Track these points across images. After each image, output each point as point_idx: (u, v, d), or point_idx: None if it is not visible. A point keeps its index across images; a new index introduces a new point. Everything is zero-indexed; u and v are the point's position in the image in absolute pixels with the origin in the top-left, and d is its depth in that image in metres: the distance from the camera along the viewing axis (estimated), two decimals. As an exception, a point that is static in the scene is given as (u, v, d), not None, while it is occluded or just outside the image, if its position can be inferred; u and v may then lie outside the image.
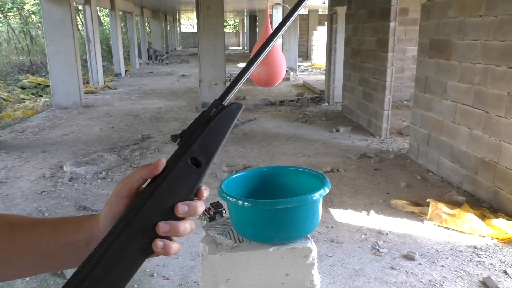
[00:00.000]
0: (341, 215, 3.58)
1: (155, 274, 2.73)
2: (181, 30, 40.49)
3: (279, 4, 14.86)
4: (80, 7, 12.86)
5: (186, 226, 0.54)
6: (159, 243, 0.53)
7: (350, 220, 3.49)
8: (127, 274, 0.53)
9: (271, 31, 1.38)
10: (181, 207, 0.53)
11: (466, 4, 3.99)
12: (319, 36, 18.77)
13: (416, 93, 5.02)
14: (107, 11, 15.58)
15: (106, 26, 21.12)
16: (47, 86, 10.58)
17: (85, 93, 9.46)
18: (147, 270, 2.78)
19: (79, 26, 16.53)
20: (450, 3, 4.23)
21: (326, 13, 11.99)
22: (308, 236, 1.24)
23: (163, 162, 0.55)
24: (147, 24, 22.63)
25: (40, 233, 0.58)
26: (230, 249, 1.18)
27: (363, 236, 3.23)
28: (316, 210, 1.25)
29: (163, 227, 0.53)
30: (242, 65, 18.37)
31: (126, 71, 15.25)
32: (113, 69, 14.79)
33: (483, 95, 3.79)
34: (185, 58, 22.13)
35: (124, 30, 18.68)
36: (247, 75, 0.62)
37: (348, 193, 4.04)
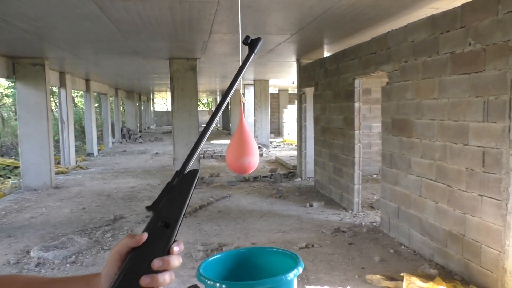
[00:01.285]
0: (318, 293, 3.55)
1: None
2: (155, 109, 41.33)
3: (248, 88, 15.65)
4: (55, 89, 13.12)
5: (165, 277, 0.66)
6: None
7: (327, 298, 3.46)
8: None
9: (244, 121, 1.52)
10: (156, 262, 0.66)
11: (421, 88, 4.37)
12: (290, 113, 19.56)
13: (383, 168, 5.26)
14: (82, 92, 15.92)
15: (80, 107, 21.40)
16: (16, 167, 10.41)
17: (56, 174, 9.34)
18: None
19: (53, 107, 16.69)
20: (407, 86, 4.62)
21: (295, 92, 12.66)
22: (285, 316, 1.28)
23: (145, 237, 0.66)
24: (121, 104, 23.07)
25: None
26: (208, 334, 1.20)
27: (341, 314, 3.19)
28: (291, 290, 1.29)
29: (144, 280, 0.64)
30: (215, 141, 18.71)
31: (98, 150, 15.24)
32: (85, 148, 14.77)
33: (445, 170, 4.02)
34: (159, 136, 22.39)
35: (98, 110, 18.95)
36: (200, 146, 0.77)
37: (323, 269, 4.04)
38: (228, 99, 0.82)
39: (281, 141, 18.57)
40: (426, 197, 4.33)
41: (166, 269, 0.66)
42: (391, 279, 3.70)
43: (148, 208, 0.69)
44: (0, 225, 5.84)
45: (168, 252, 0.67)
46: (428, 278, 3.60)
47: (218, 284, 1.22)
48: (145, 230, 0.68)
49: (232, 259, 1.44)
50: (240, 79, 0.84)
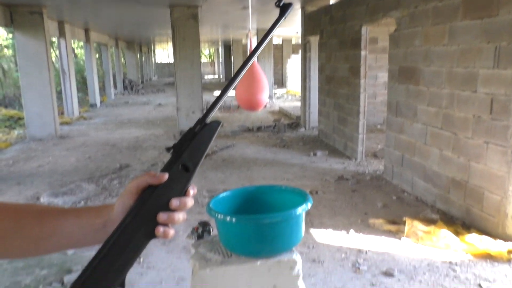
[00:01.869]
0: (321, 235, 3.65)
1: (138, 302, 2.71)
2: (156, 60, 40.73)
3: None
4: (54, 39, 12.87)
5: (179, 216, 0.69)
6: (160, 229, 0.68)
7: (330, 240, 3.56)
8: (135, 254, 0.67)
9: (255, 60, 1.48)
10: (174, 202, 0.69)
11: (430, 35, 4.25)
12: (293, 63, 19.26)
13: (389, 117, 5.23)
14: (82, 43, 15.63)
15: (81, 58, 21.10)
16: (20, 118, 10.43)
17: (60, 124, 9.36)
18: (130, 298, 2.75)
19: (53, 59, 16.46)
20: (416, 33, 4.49)
21: (299, 42, 12.39)
22: (293, 249, 1.31)
23: (166, 177, 0.69)
24: (122, 55, 22.71)
25: (66, 218, 0.71)
26: (219, 264, 1.24)
27: (343, 255, 3.30)
28: (299, 224, 1.32)
29: (162, 216, 0.68)
30: (218, 93, 18.53)
31: (101, 101, 15.18)
32: (88, 100, 14.71)
33: (451, 118, 4.00)
34: (161, 88, 22.22)
35: (98, 61, 18.69)
36: (225, 96, 0.78)
37: (327, 214, 4.13)
38: (251, 61, 0.82)
39: (285, 92, 18.42)
40: (431, 145, 4.34)
41: (182, 209, 0.70)
42: (394, 223, 3.79)
43: (169, 149, 0.71)
44: (9, 173, 5.95)
45: (184, 193, 0.71)
46: (430, 222, 3.69)
47: (228, 218, 1.24)
48: (163, 170, 0.70)
49: (241, 196, 1.46)
50: (268, 39, 0.82)
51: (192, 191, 0.72)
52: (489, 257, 3.18)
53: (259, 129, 9.24)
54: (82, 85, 17.13)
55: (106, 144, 7.96)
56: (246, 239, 1.25)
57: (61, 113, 11.07)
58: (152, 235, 0.68)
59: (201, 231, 1.42)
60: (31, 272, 3.13)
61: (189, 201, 0.71)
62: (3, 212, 0.70)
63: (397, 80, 4.95)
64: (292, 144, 7.62)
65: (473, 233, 3.44)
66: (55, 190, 4.95)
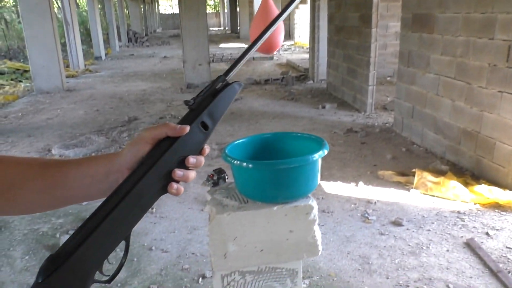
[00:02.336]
0: (331, 186, 3.68)
1: (153, 248, 2.80)
2: (160, 12, 39.71)
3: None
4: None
5: (192, 174, 0.68)
6: (174, 185, 0.66)
7: (340, 191, 3.60)
8: (145, 209, 0.65)
9: (271, 4, 1.42)
10: (191, 159, 0.67)
11: (447, -23, 4.06)
12: (301, 15, 18.69)
13: (400, 68, 5.11)
14: (84, -8, 15.21)
15: (83, 9, 20.60)
16: (26, 71, 10.36)
17: (66, 77, 9.30)
18: (146, 244, 2.84)
19: (56, 10, 16.08)
20: (432, -24, 4.29)
21: (308, -10, 11.94)
22: (309, 195, 1.31)
23: (187, 130, 0.66)
24: (125, 6, 22.13)
25: (68, 169, 0.67)
26: (236, 209, 1.25)
27: (352, 205, 3.34)
28: (316, 170, 1.31)
29: (177, 173, 0.66)
30: (224, 45, 18.22)
31: (106, 54, 14.99)
32: (92, 52, 14.52)
33: (465, 67, 3.90)
34: (166, 40, 21.81)
35: (101, 13, 18.25)
36: (251, 53, 0.75)
37: (336, 166, 4.15)
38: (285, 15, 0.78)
39: (292, 44, 18.02)
40: (443, 95, 4.26)
41: (197, 167, 0.68)
42: (403, 174, 3.80)
43: (187, 102, 0.68)
44: (19, 126, 5.99)
45: (199, 152, 0.69)
46: (439, 173, 3.69)
47: (244, 164, 1.23)
48: (181, 123, 0.67)
49: (257, 143, 1.44)
50: None
51: (207, 149, 0.71)
52: (497, 206, 3.21)
53: (266, 82, 9.12)
54: (86, 37, 16.84)
55: (113, 97, 7.93)
56: (263, 184, 1.25)
57: (66, 66, 10.96)
58: (164, 190, 0.65)
59: (216, 178, 1.42)
60: (48, 221, 3.22)
61: (203, 160, 0.70)
62: (6, 164, 0.68)
63: (410, 29, 4.78)
64: (300, 97, 7.54)
65: (482, 184, 3.45)
66: (66, 142, 4.99)
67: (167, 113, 6.54)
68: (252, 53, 0.77)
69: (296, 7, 19.73)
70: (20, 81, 10.06)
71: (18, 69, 10.86)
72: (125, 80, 9.89)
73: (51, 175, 0.67)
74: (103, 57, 14.22)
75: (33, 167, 0.68)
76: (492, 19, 3.51)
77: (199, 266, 2.61)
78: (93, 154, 4.63)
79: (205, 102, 0.69)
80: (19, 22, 11.81)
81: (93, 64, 12.80)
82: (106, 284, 0.64)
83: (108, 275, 0.63)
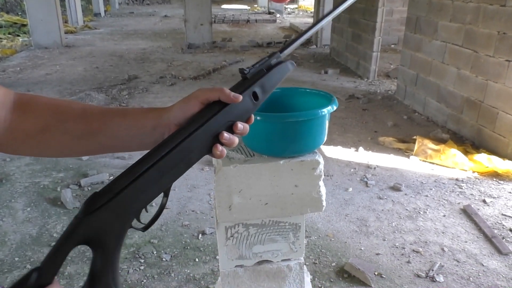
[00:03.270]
0: (331, 151, 3.69)
1: (153, 204, 2.82)
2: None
3: None
4: None
5: (237, 140, 0.67)
6: (219, 147, 0.65)
7: (340, 155, 3.61)
8: (190, 164, 0.65)
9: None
10: (240, 125, 0.67)
11: None
12: (306, -23, 18.14)
13: (406, 34, 5.02)
14: None
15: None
16: (24, 25, 10.13)
17: (65, 33, 9.11)
18: (145, 200, 2.86)
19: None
20: None
21: (315, -49, 11.54)
22: (316, 150, 1.31)
23: (241, 99, 0.66)
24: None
25: (112, 117, 0.67)
26: (242, 162, 1.25)
27: (352, 170, 3.36)
28: (323, 125, 1.31)
29: (225, 136, 0.65)
30: (226, 6, 17.78)
31: (105, 11, 14.63)
32: (91, 8, 14.17)
33: (474, 34, 3.82)
34: (167, -1, 21.24)
35: (101, -33, 17.66)
36: (310, 33, 0.79)
37: (337, 131, 4.14)
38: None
39: (296, 8, 17.60)
40: (448, 63, 4.20)
41: (243, 134, 0.69)
42: (403, 141, 3.80)
43: (242, 71, 0.69)
44: (17, 80, 5.91)
45: (246, 121, 0.70)
46: (440, 141, 3.70)
47: (253, 116, 1.20)
48: (232, 90, 0.68)
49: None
50: None
51: (252, 118, 0.71)
52: (495, 175, 3.23)
53: (269, 44, 8.97)
54: (85, -8, 16.38)
55: (113, 55, 7.80)
56: (270, 138, 1.24)
57: (65, 21, 10.71)
58: (209, 150, 0.65)
59: (222, 131, 1.41)
60: (49, 175, 3.24)
61: (249, 128, 0.70)
62: (44, 106, 0.66)
63: (420, -6, 4.66)
64: (303, 61, 7.43)
65: (482, 153, 3.46)
66: (66, 98, 4.94)
67: (167, 72, 6.46)
68: (311, 34, 0.80)
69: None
70: (18, 35, 9.86)
71: (15, 23, 10.62)
72: (125, 38, 9.71)
73: (93, 121, 0.66)
74: (103, 14, 13.89)
75: (74, 111, 0.67)
76: (505, -15, 3.41)
77: (198, 223, 2.65)
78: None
79: (259, 74, 0.70)
80: (16, -26, 11.44)
81: (92, 21, 12.52)
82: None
83: (144, 223, 0.64)
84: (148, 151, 0.62)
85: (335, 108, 1.25)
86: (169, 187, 0.64)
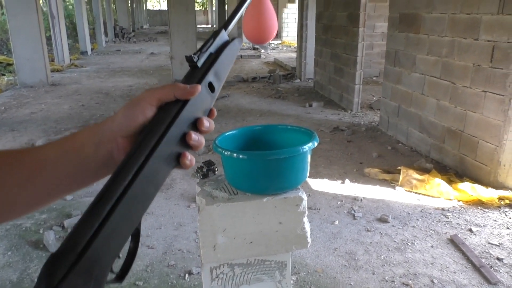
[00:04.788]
0: (318, 184, 3.70)
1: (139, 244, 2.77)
2: (148, 7, 39.37)
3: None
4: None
5: (203, 141, 0.57)
6: (188, 155, 0.55)
7: (326, 188, 3.62)
8: (160, 184, 0.53)
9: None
10: (205, 122, 0.57)
11: (434, -22, 4.11)
12: (289, 13, 18.73)
13: (386, 67, 5.16)
14: (70, -14, 14.99)
15: (69, 2, 20.29)
16: (9, 64, 10.16)
17: (51, 71, 9.15)
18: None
19: (41, 3, 15.81)
20: (419, -23, 4.34)
21: (296, -11, 11.95)
22: (299, 187, 1.32)
23: (199, 90, 0.55)
24: (112, 0, 21.87)
25: (47, 151, 0.54)
26: (226, 201, 1.24)
27: (339, 202, 3.36)
28: (305, 162, 1.32)
29: (194, 137, 0.55)
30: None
31: (92, 49, 14.79)
32: (78, 47, 14.32)
33: (450, 66, 3.95)
34: (153, 36, 21.62)
35: (88, 7, 18.00)
36: (247, 4, 0.68)
37: (323, 164, 4.17)
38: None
39: (280, 43, 18.04)
40: (428, 94, 4.32)
41: (209, 131, 0.58)
42: (388, 172, 3.84)
43: (191, 59, 0.58)
44: (1, 120, 5.87)
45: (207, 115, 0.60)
46: (424, 171, 3.74)
47: (235, 154, 1.23)
48: (185, 83, 0.57)
49: (247, 135, 1.44)
50: None
51: (215, 112, 0.60)
52: (480, 204, 3.27)
53: (254, 79, 9.12)
54: (72, 31, 16.60)
55: (99, 92, 7.83)
56: (253, 175, 1.25)
57: (51, 60, 10.79)
58: (176, 161, 0.54)
59: (206, 170, 1.42)
60: (31, 216, 3.17)
61: (213, 125, 0.59)
62: None
63: (397, 28, 4.84)
64: (287, 95, 7.55)
65: (466, 182, 3.51)
66: (50, 137, 4.92)
67: (153, 109, 6.48)
68: (248, 3, 0.70)
69: (284, 6, 19.75)
70: (3, 75, 9.87)
71: (1, 62, 10.65)
72: (112, 76, 9.78)
73: (27, 164, 0.53)
74: (89, 52, 14.03)
75: (9, 156, 0.54)
76: (477, 20, 3.57)
77: (185, 262, 2.60)
78: (78, 149, 4.57)
79: (209, 60, 0.59)
80: (3, 14, 11.58)
81: (79, 59, 12.63)
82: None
83: (116, 272, 0.52)
84: (105, 181, 0.50)
85: (316, 144, 1.27)
86: (140, 221, 0.52)
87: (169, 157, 0.53)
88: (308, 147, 1.24)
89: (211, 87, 0.59)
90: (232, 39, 0.63)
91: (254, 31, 1.21)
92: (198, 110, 0.57)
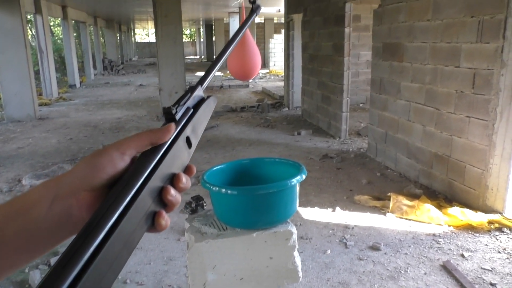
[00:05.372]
0: (308, 213, 3.69)
1: (128, 281, 2.71)
2: (136, 40, 39.88)
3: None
4: (30, 16, 12.44)
5: (180, 198, 0.51)
6: (164, 215, 0.48)
7: (317, 217, 3.61)
8: (133, 248, 0.45)
9: (247, 30, 1.47)
10: (183, 178, 0.51)
11: (414, 10, 4.25)
12: (276, 43, 19.10)
13: (372, 95, 5.26)
14: (59, 20, 15.16)
15: (58, 37, 20.48)
16: (-3, 99, 10.12)
17: (39, 105, 9.13)
18: (120, 277, 2.75)
19: (30, 37, 15.93)
20: (400, 8, 4.49)
21: (282, 21, 12.25)
22: (288, 220, 1.31)
23: (173, 127, 0.52)
24: (101, 34, 22.13)
25: None
26: (215, 237, 1.24)
27: (330, 231, 3.35)
28: (294, 195, 1.33)
29: (172, 192, 0.49)
30: (200, 73, 18.35)
31: (81, 82, 14.84)
32: (67, 80, 14.36)
33: (434, 93, 4.04)
34: (142, 68, 21.81)
35: (77, 41, 18.18)
36: (222, 61, 0.71)
37: (313, 192, 4.17)
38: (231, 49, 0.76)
39: (267, 72, 18.31)
40: (414, 121, 4.39)
41: (186, 188, 0.52)
42: (378, 199, 3.85)
43: (169, 110, 0.55)
44: (-13, 156, 5.80)
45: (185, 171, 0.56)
46: (413, 197, 3.76)
47: (223, 189, 1.23)
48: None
49: (235, 169, 1.45)
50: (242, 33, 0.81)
51: (194, 168, 0.56)
52: (470, 228, 3.28)
53: (242, 109, 9.20)
54: (61, 65, 16.69)
55: (88, 125, 7.82)
56: (242, 211, 1.25)
57: (40, 94, 10.79)
58: (151, 221, 0.47)
59: (194, 205, 1.41)
60: (17, 254, 3.09)
61: (190, 183, 0.55)
62: None
63: (381, 57, 4.96)
64: (276, 123, 7.62)
65: (455, 206, 3.53)
66: (37, 172, 4.85)
67: (142, 141, 6.47)
68: (223, 61, 0.72)
69: (271, 36, 20.16)
70: (-10, 110, 9.80)
71: (-12, 98, 10.60)
72: (100, 108, 9.79)
73: None
74: (78, 85, 14.07)
75: None
76: (457, 48, 3.68)
77: (176, 297, 2.54)
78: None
79: (186, 115, 0.57)
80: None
81: (67, 92, 12.64)
82: None
83: None
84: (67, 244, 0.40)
85: (304, 177, 1.28)
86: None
87: (146, 215, 0.46)
88: (296, 180, 1.24)
89: (188, 142, 0.56)
90: (208, 97, 0.63)
91: (239, 69, 1.23)
92: (176, 165, 0.53)
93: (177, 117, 0.55)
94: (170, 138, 0.52)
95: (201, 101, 0.61)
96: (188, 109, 0.58)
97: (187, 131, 0.56)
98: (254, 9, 0.85)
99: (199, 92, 0.61)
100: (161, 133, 0.51)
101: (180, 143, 0.54)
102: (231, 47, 0.75)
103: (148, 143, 0.50)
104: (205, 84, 0.64)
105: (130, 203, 0.44)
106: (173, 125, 0.53)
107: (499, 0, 3.19)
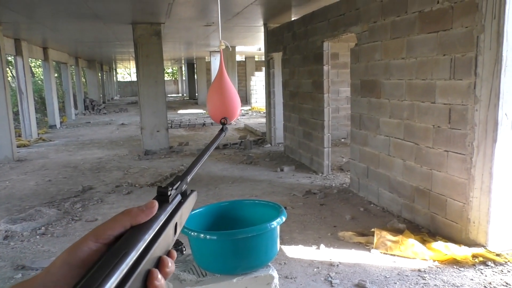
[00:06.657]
0: (292, 251, 3.63)
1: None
2: (118, 79, 40.08)
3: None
4: (10, 58, 12.42)
5: (165, 284, 0.48)
6: None
7: (302, 255, 3.55)
8: None
9: (224, 68, 1.50)
10: (169, 262, 0.49)
11: (389, 48, 4.41)
12: (257, 81, 19.42)
13: (353, 130, 5.34)
14: (40, 61, 15.17)
15: (38, 78, 20.44)
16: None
17: (17, 147, 8.97)
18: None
19: (9, 79, 15.84)
20: (376, 47, 4.65)
21: (262, 59, 12.52)
22: (269, 264, 1.29)
23: (156, 205, 0.51)
24: (82, 74, 22.20)
25: None
26: (194, 284, 1.20)
27: (315, 269, 3.29)
28: (275, 238, 1.30)
29: (160, 278, 0.46)
30: (182, 111, 18.42)
31: (61, 122, 14.71)
32: (47, 120, 14.21)
33: (412, 128, 4.13)
34: (124, 107, 21.82)
35: (58, 81, 18.16)
36: (204, 158, 0.83)
37: (297, 229, 4.13)
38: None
39: (249, 109, 18.51)
40: (394, 155, 4.45)
41: (169, 274, 0.49)
42: (362, 234, 3.83)
43: (165, 190, 0.56)
44: (-39, 200, 5.60)
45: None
46: (397, 232, 3.75)
47: (202, 235, 1.20)
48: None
49: (214, 212, 1.42)
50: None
51: (175, 253, 0.54)
52: (455, 262, 3.26)
53: (225, 146, 9.20)
54: (41, 105, 16.56)
55: (67, 166, 7.68)
56: (221, 256, 1.22)
57: (18, 135, 10.62)
58: None
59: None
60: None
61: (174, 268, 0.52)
62: None
63: (359, 94, 5.07)
64: (259, 160, 7.62)
65: (439, 240, 3.52)
66: (13, 216, 4.70)
67: (123, 181, 6.38)
68: (206, 158, 0.83)
69: (252, 74, 20.52)
70: (-34, 152, 9.56)
71: (-36, 140, 10.37)
72: (81, 148, 9.66)
73: None
74: (58, 125, 13.93)
75: None
76: (432, 85, 3.80)
77: None
78: (43, 228, 4.37)
79: (175, 201, 0.58)
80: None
81: (47, 133, 12.48)
82: None
83: None
84: None
85: (284, 219, 1.26)
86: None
87: None
88: (276, 222, 1.23)
89: (175, 229, 0.55)
90: (191, 192, 0.64)
91: (218, 113, 1.24)
92: (162, 248, 0.51)
93: (170, 199, 0.56)
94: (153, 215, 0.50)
95: (185, 193, 0.62)
96: (177, 196, 0.59)
97: (177, 218, 0.56)
98: (223, 129, 1.08)
99: (185, 183, 0.63)
100: (143, 214, 0.49)
101: (170, 229, 0.53)
102: (208, 152, 0.89)
103: (129, 224, 0.48)
104: (189, 177, 0.69)
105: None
106: (155, 202, 0.51)
107: (469, 39, 3.33)
